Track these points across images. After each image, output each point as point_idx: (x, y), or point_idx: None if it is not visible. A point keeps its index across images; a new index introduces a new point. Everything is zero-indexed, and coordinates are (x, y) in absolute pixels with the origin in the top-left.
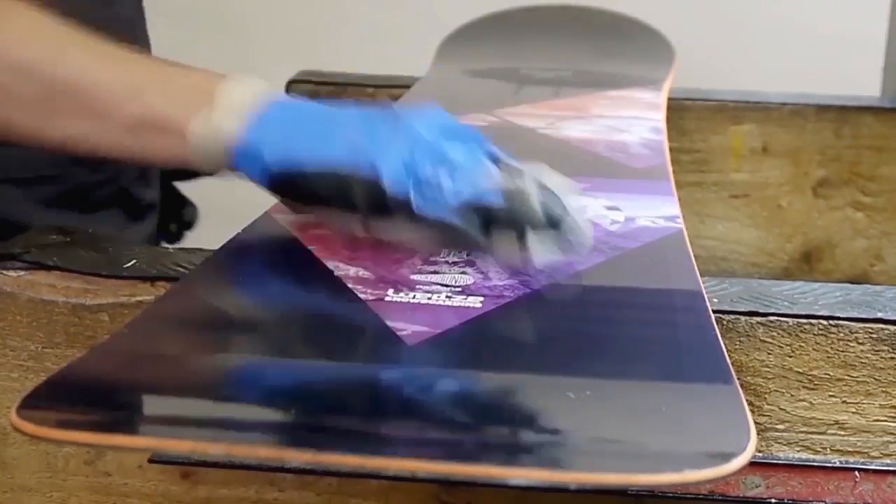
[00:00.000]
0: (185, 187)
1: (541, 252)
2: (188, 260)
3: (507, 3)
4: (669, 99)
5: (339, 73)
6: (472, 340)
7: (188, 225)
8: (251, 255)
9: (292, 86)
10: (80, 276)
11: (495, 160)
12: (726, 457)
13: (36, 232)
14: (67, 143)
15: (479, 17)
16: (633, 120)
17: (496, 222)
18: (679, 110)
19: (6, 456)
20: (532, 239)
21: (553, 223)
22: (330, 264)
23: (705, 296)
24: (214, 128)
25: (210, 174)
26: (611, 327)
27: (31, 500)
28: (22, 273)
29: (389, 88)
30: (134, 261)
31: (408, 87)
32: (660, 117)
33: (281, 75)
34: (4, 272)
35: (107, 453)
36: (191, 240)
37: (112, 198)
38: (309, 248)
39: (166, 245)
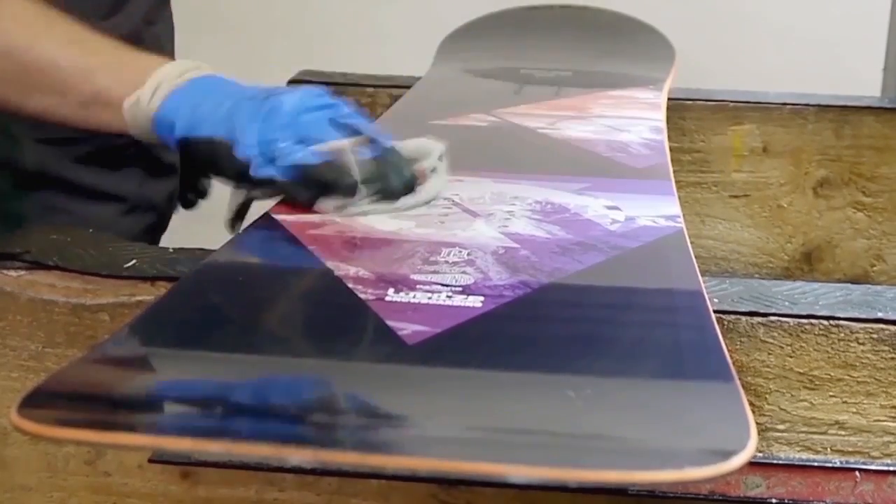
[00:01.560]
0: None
1: (352, 207)
2: (188, 260)
3: (507, 3)
4: (670, 99)
5: (339, 73)
6: (472, 340)
7: (203, 194)
8: (251, 255)
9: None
10: (81, 275)
11: (354, 132)
12: (727, 455)
13: (36, 231)
14: (41, 115)
15: (479, 16)
16: (634, 120)
17: (318, 181)
18: (679, 110)
19: (6, 456)
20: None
21: (373, 186)
22: (330, 264)
23: (706, 295)
24: (139, 101)
25: (143, 140)
26: (611, 327)
27: (32, 499)
28: (22, 273)
29: (389, 88)
30: (134, 261)
31: (408, 86)
32: (660, 117)
33: (281, 75)
34: (5, 272)
35: (107, 453)
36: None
37: (135, 157)
38: (309, 247)
39: (182, 210)
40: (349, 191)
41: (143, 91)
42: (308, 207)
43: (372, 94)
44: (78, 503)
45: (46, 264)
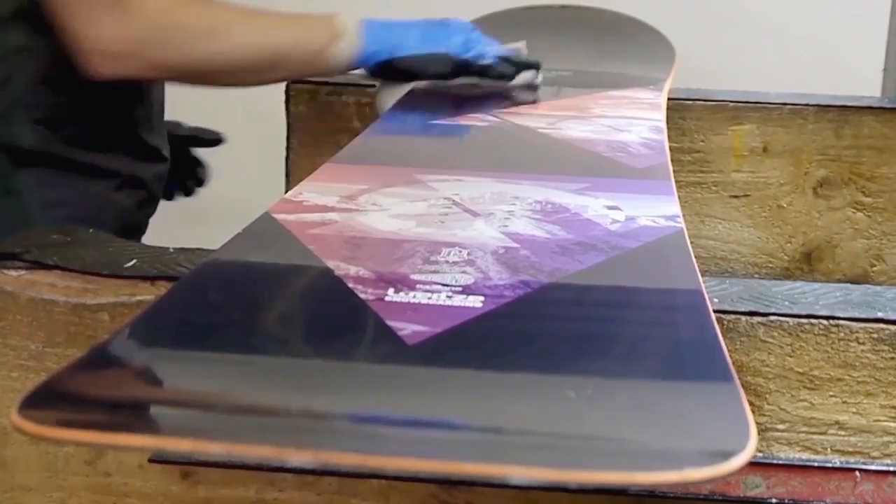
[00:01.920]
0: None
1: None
2: (188, 260)
3: (507, 3)
4: (670, 99)
5: None
6: (473, 340)
7: (200, 182)
8: (251, 254)
9: (292, 85)
10: (81, 275)
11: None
12: (727, 455)
13: (37, 231)
14: (265, 83)
15: (478, 17)
16: (634, 120)
17: (515, 65)
18: (679, 110)
19: (6, 456)
20: (534, 73)
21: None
22: (330, 263)
23: (706, 295)
24: (348, 49)
25: (339, 73)
26: (611, 326)
27: (32, 499)
28: (22, 272)
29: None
30: (134, 260)
31: None
32: (660, 117)
33: None
34: (5, 271)
35: (107, 453)
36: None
37: (123, 140)
38: (309, 247)
39: (178, 199)
40: (537, 67)
41: (347, 40)
42: (505, 84)
43: (372, 94)
44: (78, 503)
45: (47, 264)
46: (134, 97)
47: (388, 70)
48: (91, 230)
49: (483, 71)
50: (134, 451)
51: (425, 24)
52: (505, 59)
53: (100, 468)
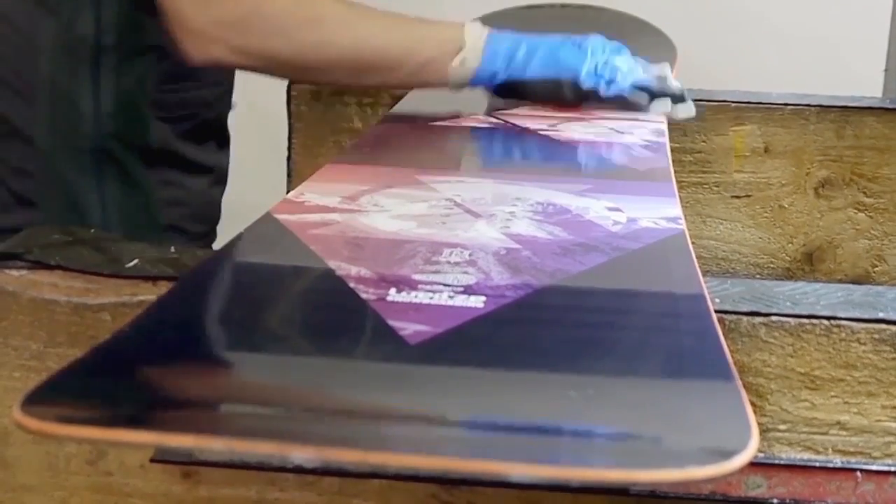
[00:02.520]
0: None
1: (677, 111)
2: (190, 260)
3: (507, 3)
4: None
5: None
6: (474, 340)
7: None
8: (253, 255)
9: (294, 85)
10: (82, 275)
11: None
12: (728, 455)
13: (38, 231)
14: (370, 87)
15: (479, 17)
16: (636, 122)
17: (652, 94)
18: None
19: (8, 455)
20: (669, 103)
21: (678, 97)
22: (332, 264)
23: (707, 296)
24: (466, 61)
25: (455, 88)
26: (613, 327)
27: (33, 499)
28: (24, 272)
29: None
30: (136, 260)
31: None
32: (662, 118)
33: None
34: (6, 271)
35: (108, 453)
36: None
37: (213, 131)
38: (311, 247)
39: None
40: (680, 98)
41: (467, 54)
42: (643, 111)
43: (373, 94)
44: (79, 503)
45: (48, 264)
46: (227, 89)
47: (507, 91)
48: (92, 230)
49: (603, 100)
50: (135, 448)
51: (558, 44)
52: (641, 88)
53: (101, 468)
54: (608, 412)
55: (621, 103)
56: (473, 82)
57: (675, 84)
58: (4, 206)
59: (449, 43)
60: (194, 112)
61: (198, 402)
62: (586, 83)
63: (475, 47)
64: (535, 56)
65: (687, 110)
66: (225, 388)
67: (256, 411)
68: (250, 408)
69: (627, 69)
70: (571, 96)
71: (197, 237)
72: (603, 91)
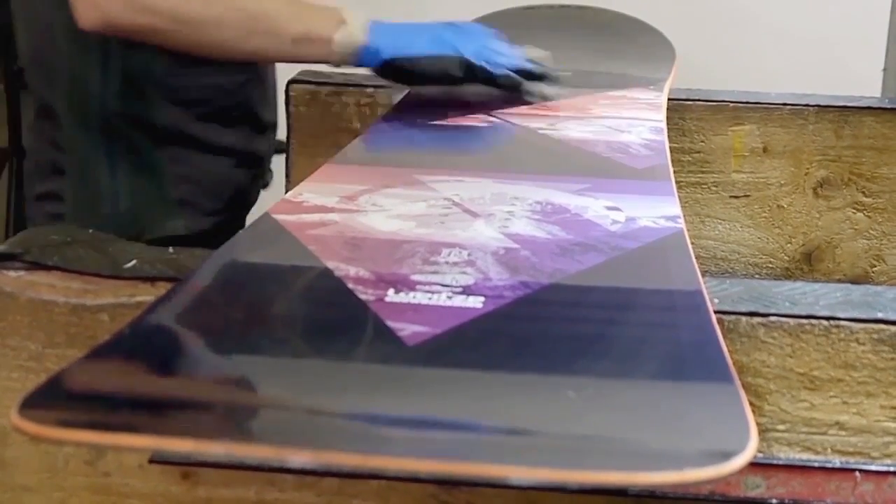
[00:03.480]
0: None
1: (547, 92)
2: (188, 260)
3: (507, 3)
4: (670, 99)
5: (339, 72)
6: (473, 341)
7: (265, 185)
8: (251, 255)
9: (292, 86)
10: (81, 276)
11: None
12: (727, 455)
13: (36, 232)
14: (254, 55)
15: (478, 17)
16: (634, 120)
17: (527, 76)
18: (679, 110)
19: (7, 456)
20: (543, 85)
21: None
22: (330, 264)
23: (706, 296)
24: (351, 35)
25: (337, 65)
26: (611, 327)
27: (32, 500)
28: (22, 273)
29: (390, 89)
30: (134, 261)
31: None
32: (660, 118)
33: (282, 74)
34: (5, 272)
35: (107, 454)
36: None
37: (243, 117)
38: (309, 248)
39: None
40: (555, 80)
41: (352, 28)
42: (518, 95)
43: (372, 94)
44: (78, 503)
45: (46, 265)
46: (251, 77)
47: (394, 70)
48: (91, 230)
49: (490, 80)
50: (134, 452)
51: (439, 28)
52: (518, 71)
53: (100, 469)
54: (607, 413)
55: (499, 82)
56: (359, 60)
57: (550, 70)
58: (43, 172)
59: (333, 17)
60: (208, 97)
61: (196, 404)
62: (475, 60)
63: (359, 24)
64: (422, 35)
65: (557, 92)
66: (223, 390)
67: (254, 413)
68: (248, 410)
69: (508, 52)
70: (461, 73)
71: (211, 213)
72: (481, 68)
